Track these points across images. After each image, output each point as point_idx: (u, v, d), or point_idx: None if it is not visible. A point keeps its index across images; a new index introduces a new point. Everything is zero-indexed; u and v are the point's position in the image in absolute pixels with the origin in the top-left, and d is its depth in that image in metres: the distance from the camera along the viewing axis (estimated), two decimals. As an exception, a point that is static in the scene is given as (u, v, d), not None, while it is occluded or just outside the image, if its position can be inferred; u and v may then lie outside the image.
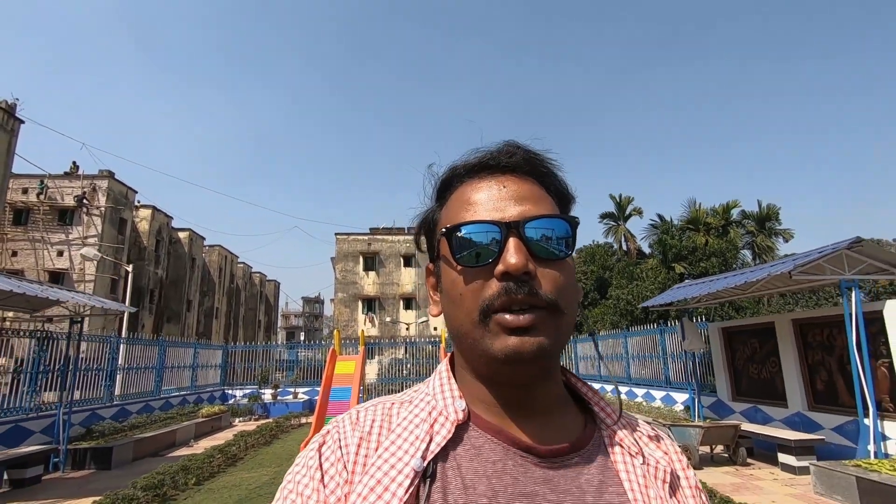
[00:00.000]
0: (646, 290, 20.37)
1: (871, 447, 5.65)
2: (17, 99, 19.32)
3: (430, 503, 0.46)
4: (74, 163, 25.20)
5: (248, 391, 15.85)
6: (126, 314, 18.30)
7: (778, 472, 6.65)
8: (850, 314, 5.88)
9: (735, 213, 22.90)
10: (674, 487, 0.54)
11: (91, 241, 24.34)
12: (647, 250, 24.38)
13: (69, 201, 24.43)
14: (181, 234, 34.59)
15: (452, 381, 0.55)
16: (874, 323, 6.21)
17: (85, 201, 24.25)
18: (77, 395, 9.09)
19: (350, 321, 32.42)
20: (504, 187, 0.53)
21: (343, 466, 0.49)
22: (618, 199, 24.67)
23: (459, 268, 0.50)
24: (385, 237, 34.64)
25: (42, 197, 23.80)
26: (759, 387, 8.43)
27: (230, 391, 15.95)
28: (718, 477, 6.53)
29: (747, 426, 7.43)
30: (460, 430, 0.51)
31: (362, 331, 10.66)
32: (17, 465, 6.84)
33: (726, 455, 7.38)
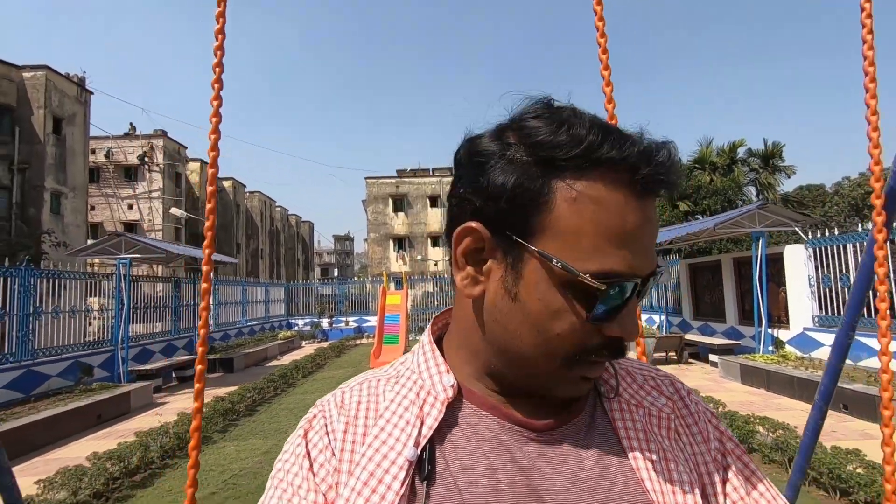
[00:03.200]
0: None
1: (760, 347, 8.24)
2: (85, 72, 21.76)
3: (430, 490, 0.44)
4: (132, 124, 27.94)
5: (307, 320, 19.28)
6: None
7: (707, 367, 9.37)
8: (757, 256, 8.25)
9: (742, 151, 24.19)
10: (680, 430, 0.51)
11: (155, 195, 27.58)
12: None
13: (132, 160, 27.44)
14: (225, 183, 37.67)
15: (437, 354, 0.52)
16: (778, 261, 8.58)
17: (146, 159, 27.22)
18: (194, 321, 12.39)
19: (383, 259, 35.60)
20: (649, 221, 0.43)
21: (331, 453, 0.47)
22: (630, 141, 26.09)
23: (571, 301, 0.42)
24: (412, 179, 36.85)
25: (109, 158, 26.84)
26: (710, 308, 10.99)
27: (293, 321, 19.42)
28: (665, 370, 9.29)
29: (689, 336, 10.12)
30: (453, 407, 0.48)
31: (405, 272, 13.49)
32: (179, 368, 10.12)
33: (675, 357, 10.12)
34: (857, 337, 5.37)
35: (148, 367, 9.10)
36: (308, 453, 0.48)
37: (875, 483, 3.17)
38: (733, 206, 23.69)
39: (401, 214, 36.27)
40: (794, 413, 5.98)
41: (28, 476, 4.58)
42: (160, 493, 4.08)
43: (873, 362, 6.77)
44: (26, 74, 19.60)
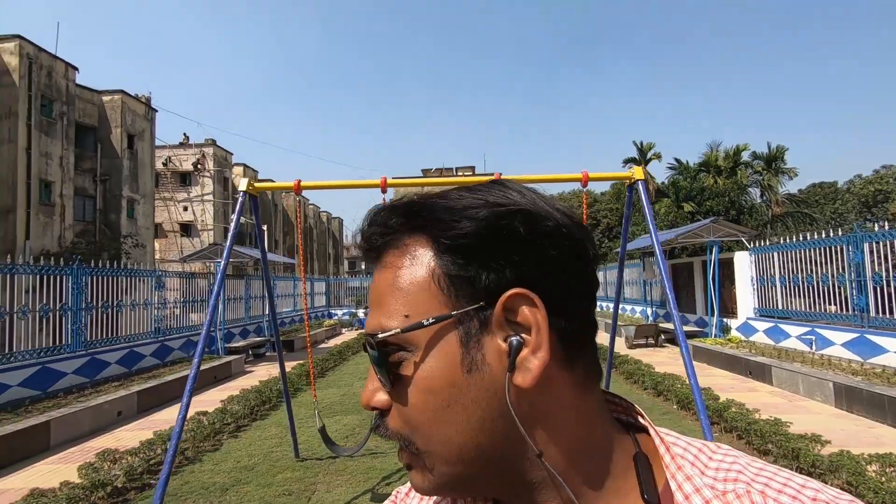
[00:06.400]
0: (657, 226, 24.31)
1: (713, 332, 10.42)
2: (150, 93, 24.89)
3: None
4: (185, 134, 31.15)
5: (344, 311, 22.03)
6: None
7: (674, 349, 11.56)
8: (711, 260, 10.40)
9: (746, 155, 25.71)
10: None
11: (207, 197, 30.78)
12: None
13: (187, 167, 30.67)
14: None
15: None
16: (730, 265, 10.71)
17: (199, 166, 30.44)
18: (262, 310, 15.20)
19: (409, 254, 38.17)
20: (374, 281, 0.41)
21: None
22: (639, 146, 27.83)
23: None
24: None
25: (167, 165, 30.12)
26: (687, 302, 13.13)
27: (333, 311, 22.20)
28: (641, 352, 11.52)
29: (662, 324, 12.30)
30: None
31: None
32: (254, 347, 12.88)
33: (653, 342, 12.34)
34: (782, 325, 8.20)
35: (234, 345, 11.86)
36: None
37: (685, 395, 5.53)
38: (736, 207, 25.32)
39: (426, 212, 38.68)
40: (714, 378, 8.23)
41: (199, 406, 7.27)
42: (283, 415, 6.68)
43: (790, 343, 8.93)
44: (105, 98, 22.77)
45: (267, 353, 13.41)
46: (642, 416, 0.42)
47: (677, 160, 27.20)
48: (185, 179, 31.19)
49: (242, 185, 3.62)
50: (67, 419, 5.92)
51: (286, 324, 16.90)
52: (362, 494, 3.79)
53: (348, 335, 17.44)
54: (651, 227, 3.62)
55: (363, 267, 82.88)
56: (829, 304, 8.32)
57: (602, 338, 13.75)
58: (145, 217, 24.55)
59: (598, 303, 14.55)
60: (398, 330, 0.37)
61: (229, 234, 3.46)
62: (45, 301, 7.55)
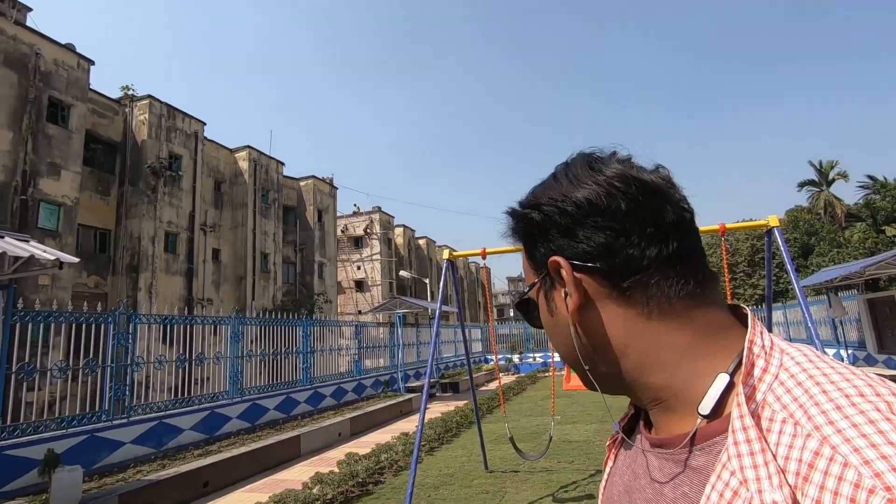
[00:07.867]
0: (849, 256, 21.03)
1: (930, 376, 8.98)
2: (332, 174, 30.14)
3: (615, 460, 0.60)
4: (356, 205, 36.61)
5: (500, 356, 23.08)
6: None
7: (881, 396, 10.10)
8: (915, 293, 9.15)
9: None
10: None
11: (375, 257, 35.28)
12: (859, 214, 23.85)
13: (359, 232, 35.80)
14: (420, 241, 45.18)
15: None
16: (943, 297, 9.25)
17: (368, 230, 35.31)
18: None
19: (559, 300, 38.08)
20: None
21: None
22: (818, 166, 24.61)
23: None
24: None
25: (345, 233, 35.55)
26: (894, 341, 11.37)
27: (489, 356, 23.42)
28: (834, 399, 10.34)
29: (872, 370, 10.79)
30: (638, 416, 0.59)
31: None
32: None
33: (850, 388, 10.89)
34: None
35: (412, 385, 13.64)
36: None
37: None
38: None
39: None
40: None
41: (396, 432, 8.81)
42: (468, 438, 7.81)
43: None
44: (301, 183, 28.35)
45: (437, 394, 14.99)
46: (753, 340, 0.44)
47: (870, 177, 23.41)
48: (357, 243, 36.34)
49: (445, 254, 4.99)
50: (310, 435, 7.86)
51: (450, 367, 18.54)
52: (545, 497, 4.61)
53: (506, 379, 18.35)
54: (790, 268, 4.00)
55: (511, 314, 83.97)
56: None
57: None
58: (330, 277, 29.20)
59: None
60: (520, 297, 0.59)
61: (439, 294, 4.80)
62: (259, 347, 9.95)
